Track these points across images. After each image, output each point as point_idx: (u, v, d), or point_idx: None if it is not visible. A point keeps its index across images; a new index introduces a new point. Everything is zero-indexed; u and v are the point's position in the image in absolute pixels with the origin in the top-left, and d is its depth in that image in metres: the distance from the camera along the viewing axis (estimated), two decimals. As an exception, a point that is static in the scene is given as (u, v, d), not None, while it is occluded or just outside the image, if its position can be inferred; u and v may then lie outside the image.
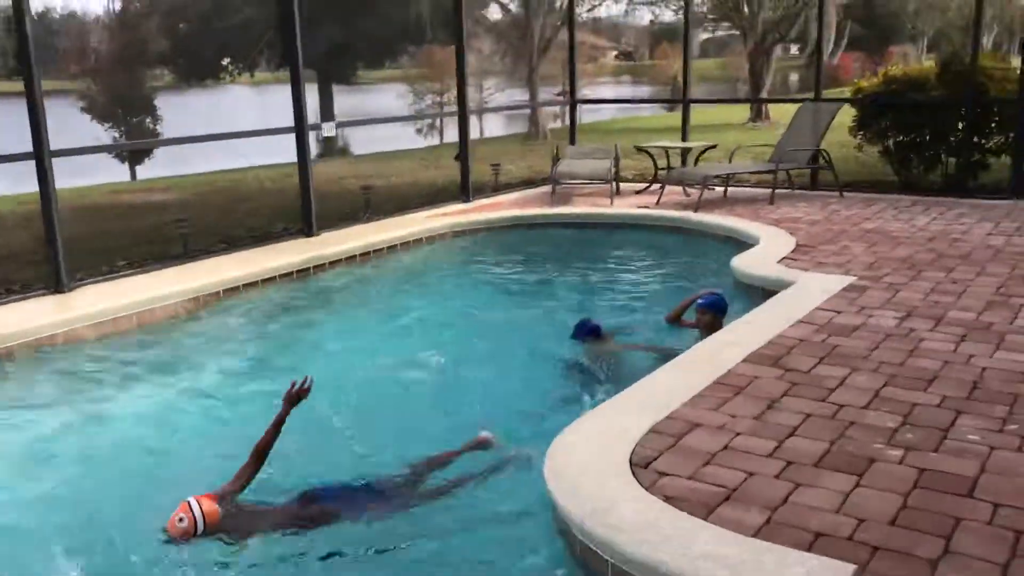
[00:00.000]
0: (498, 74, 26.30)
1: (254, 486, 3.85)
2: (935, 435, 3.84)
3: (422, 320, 6.80)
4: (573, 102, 12.11)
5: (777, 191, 10.01)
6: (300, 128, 8.27)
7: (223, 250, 8.09)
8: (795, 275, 6.55)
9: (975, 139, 9.95)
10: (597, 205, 9.88)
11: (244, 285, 7.11)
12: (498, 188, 11.44)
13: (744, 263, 6.99)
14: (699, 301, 6.07)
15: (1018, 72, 9.62)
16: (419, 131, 30.98)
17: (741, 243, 8.09)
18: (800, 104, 10.58)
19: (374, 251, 8.28)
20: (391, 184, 12.67)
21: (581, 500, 3.34)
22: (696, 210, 9.28)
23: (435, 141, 29.86)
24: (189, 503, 3.50)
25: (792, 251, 7.40)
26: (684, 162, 11.33)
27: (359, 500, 3.65)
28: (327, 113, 24.63)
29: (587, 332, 6.08)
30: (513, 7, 21.36)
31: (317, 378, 4.07)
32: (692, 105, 12.01)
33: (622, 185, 11.06)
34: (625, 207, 9.74)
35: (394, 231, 8.66)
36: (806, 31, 23.77)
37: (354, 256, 8.08)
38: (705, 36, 47.99)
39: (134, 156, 23.28)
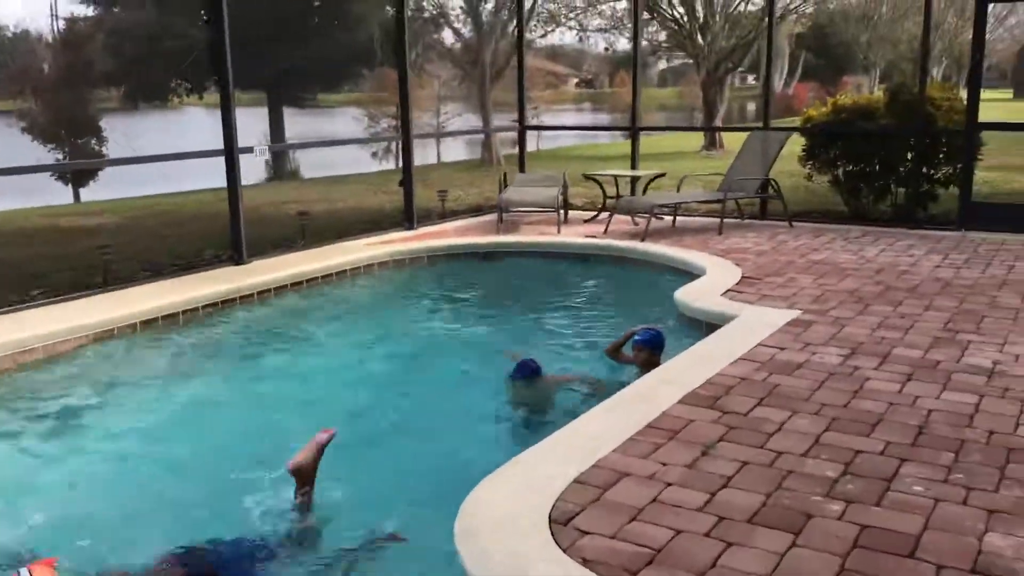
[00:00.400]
0: (455, 99, 26.14)
1: (115, 544, 3.46)
2: (877, 486, 3.59)
3: (343, 358, 6.46)
4: (522, 128, 11.89)
5: (726, 221, 9.83)
6: (230, 151, 7.92)
7: (146, 278, 7.69)
8: (739, 308, 6.32)
9: (924, 169, 9.86)
10: (544, 234, 9.63)
11: (163, 317, 6.71)
12: (445, 215, 11.16)
13: (687, 296, 6.75)
14: (635, 337, 5.81)
15: (965, 103, 9.56)
16: (374, 155, 30.66)
17: (687, 274, 7.87)
18: (749, 133, 10.45)
19: (307, 280, 7.93)
20: (335, 209, 12.35)
21: (491, 565, 3.02)
22: (643, 240, 9.06)
23: (390, 165, 29.57)
24: (19, 573, 3.03)
25: (737, 283, 7.18)
26: (633, 191, 11.14)
27: (245, 563, 3.27)
28: (278, 136, 24.24)
29: (527, 373, 5.77)
30: (465, 32, 21.21)
31: (218, 418, 3.72)
32: (645, 133, 11.80)
33: (572, 213, 10.84)
34: (572, 236, 9.49)
35: (329, 259, 8.32)
36: (759, 61, 23.89)
37: (284, 286, 7.72)
38: (663, 65, 48.49)
39: (78, 178, 22.66)
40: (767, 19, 10.57)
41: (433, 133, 16.90)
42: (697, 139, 24.31)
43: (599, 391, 5.34)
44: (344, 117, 31.53)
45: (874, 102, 10.15)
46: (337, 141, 10.00)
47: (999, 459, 3.83)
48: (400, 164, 28.89)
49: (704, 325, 6.34)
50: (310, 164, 26.85)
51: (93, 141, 23.03)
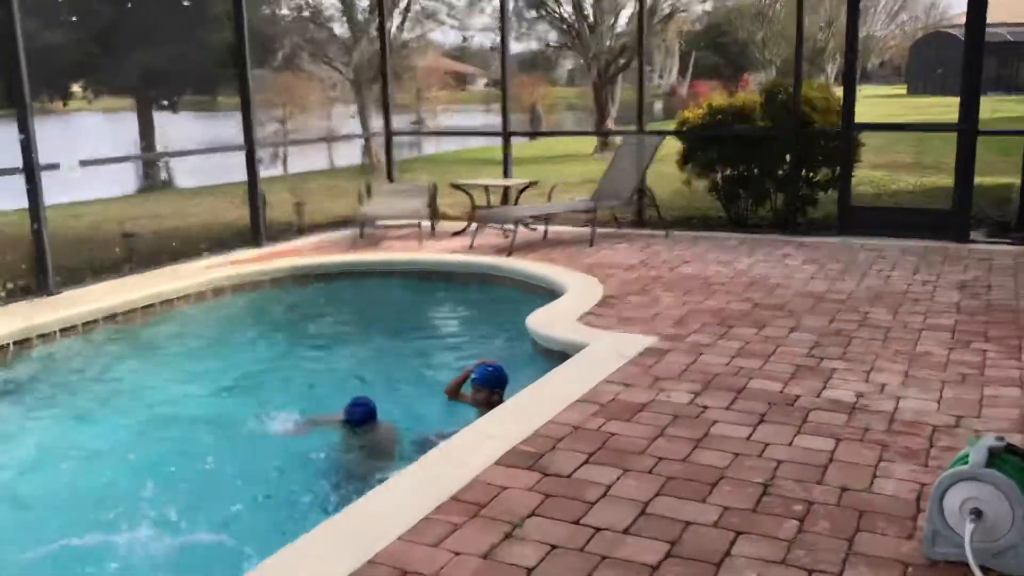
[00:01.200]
0: (341, 102, 25.21)
1: None
2: (704, 573, 2.98)
3: (147, 404, 5.63)
4: (388, 134, 11.14)
5: (602, 230, 9.29)
6: (29, 166, 6.99)
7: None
8: (590, 336, 5.71)
9: (803, 173, 9.47)
10: (406, 249, 8.91)
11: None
12: (304, 229, 10.34)
13: (539, 322, 6.12)
14: (472, 376, 5.15)
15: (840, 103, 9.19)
16: (259, 161, 29.40)
17: (550, 293, 7.27)
18: (622, 138, 9.93)
19: (124, 313, 7.04)
20: (183, 226, 11.38)
21: None
22: (509, 254, 8.42)
23: (277, 171, 28.43)
24: None
25: (597, 304, 6.59)
26: (506, 200, 10.51)
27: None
28: (148, 142, 22.91)
29: (360, 416, 5.05)
30: (341, 31, 20.28)
31: None
32: (538, 137, 11.16)
33: (441, 225, 10.15)
34: (435, 252, 8.79)
35: (154, 287, 7.44)
36: (653, 60, 23.61)
37: (95, 321, 6.82)
38: (569, 65, 48.08)
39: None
40: (638, 19, 10.06)
41: (279, 141, 15.94)
42: (590, 142, 23.90)
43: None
44: (233, 120, 30.27)
45: (750, 103, 9.72)
46: (174, 152, 9.00)
47: (848, 527, 3.26)
48: (288, 170, 27.96)
49: (558, 355, 5.73)
50: (189, 172, 25.57)
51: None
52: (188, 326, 7.12)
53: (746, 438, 4.08)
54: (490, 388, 5.09)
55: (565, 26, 23.41)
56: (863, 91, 9.55)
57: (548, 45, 26.31)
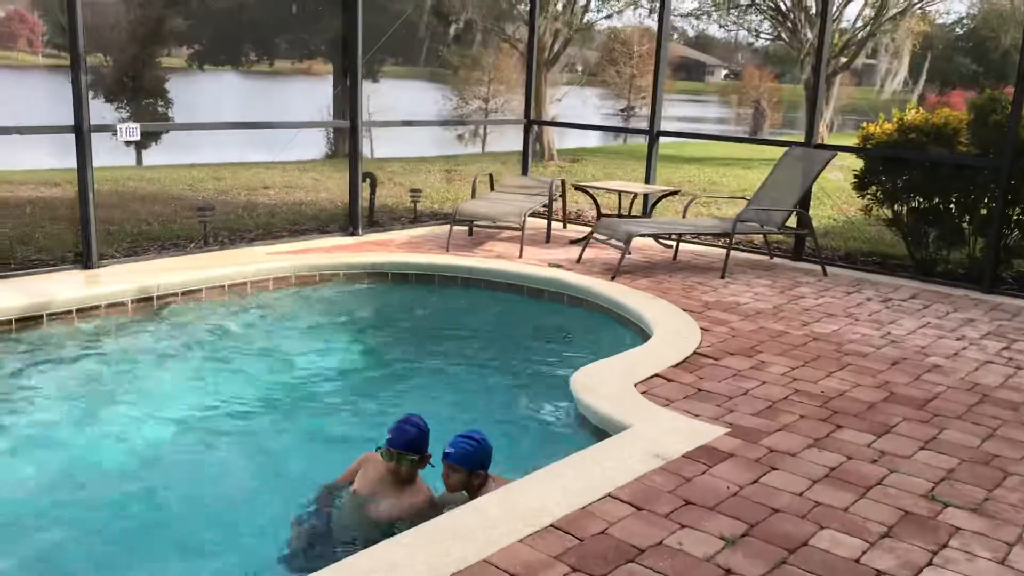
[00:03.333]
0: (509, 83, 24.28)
1: None
2: None
3: (137, 414, 4.80)
4: (528, 123, 9.93)
5: (747, 256, 7.75)
6: (79, 128, 6.38)
7: None
8: (637, 413, 4.31)
9: (1012, 214, 7.42)
10: (502, 257, 7.72)
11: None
12: (417, 219, 9.38)
13: (584, 380, 4.76)
14: (446, 448, 3.88)
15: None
16: (460, 137, 29.13)
17: (643, 333, 5.89)
18: (785, 150, 8.22)
19: (158, 297, 6.31)
20: (306, 201, 10.73)
21: None
22: (613, 277, 7.05)
23: (476, 149, 27.91)
24: None
25: (679, 362, 5.14)
26: (645, 208, 9.08)
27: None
28: (344, 108, 22.83)
29: (408, 441, 3.81)
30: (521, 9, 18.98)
31: None
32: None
33: (561, 232, 8.90)
34: (532, 261, 7.54)
35: (204, 270, 6.69)
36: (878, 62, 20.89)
37: (122, 303, 6.13)
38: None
39: (141, 140, 21.98)
40: (822, 14, 8.25)
41: (394, 122, 15.00)
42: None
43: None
44: (433, 94, 30.08)
45: (954, 122, 7.72)
46: (261, 124, 8.41)
47: None
48: (486, 149, 27.40)
49: (594, 430, 4.39)
50: (382, 141, 25.49)
51: (159, 102, 22.39)
52: (201, 319, 6.27)
53: (760, 649, 2.62)
54: (469, 468, 3.81)
55: (780, 16, 21.16)
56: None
57: (758, 36, 24.05)
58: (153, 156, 21.70)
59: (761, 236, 8.49)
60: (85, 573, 3.49)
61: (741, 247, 8.59)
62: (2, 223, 8.36)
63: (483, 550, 3.03)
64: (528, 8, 10.11)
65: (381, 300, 7.02)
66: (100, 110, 22.10)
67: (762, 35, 24.15)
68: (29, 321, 5.71)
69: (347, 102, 8.63)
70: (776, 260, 8.21)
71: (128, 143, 21.97)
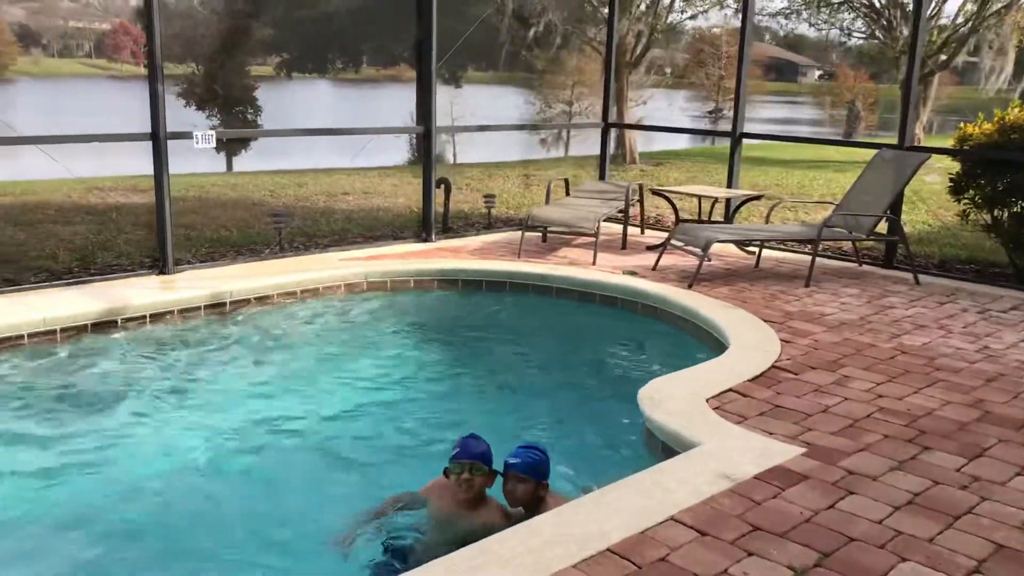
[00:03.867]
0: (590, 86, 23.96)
1: None
2: None
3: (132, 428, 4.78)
4: (606, 126, 9.74)
5: (835, 264, 7.41)
6: (156, 135, 6.46)
7: (39, 283, 6.40)
8: (707, 430, 4.09)
9: None
10: (575, 263, 7.55)
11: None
12: (491, 225, 9.27)
13: (653, 395, 4.55)
14: (507, 459, 3.73)
15: None
16: (543, 142, 29.02)
17: (720, 345, 5.66)
18: (875, 152, 7.84)
19: (233, 302, 6.35)
20: (383, 206, 10.73)
21: None
22: (690, 285, 6.80)
23: (559, 153, 27.77)
24: None
25: (755, 376, 4.89)
26: (727, 213, 8.78)
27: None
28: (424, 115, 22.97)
29: (479, 453, 3.68)
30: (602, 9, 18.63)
31: None
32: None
33: (639, 238, 8.68)
34: (605, 269, 7.34)
35: (276, 277, 6.71)
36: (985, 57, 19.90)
37: (196, 308, 6.18)
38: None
39: (231, 147, 22.49)
40: (914, 16, 7.84)
41: (469, 127, 14.80)
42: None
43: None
44: (516, 98, 30.04)
45: (1062, 121, 7.23)
46: (336, 131, 8.32)
47: None
48: (569, 152, 27.21)
49: (661, 445, 4.20)
50: (468, 145, 25.52)
51: (248, 110, 22.87)
52: (272, 325, 6.26)
53: None
54: (536, 479, 3.66)
55: (874, 13, 20.37)
56: None
57: (850, 34, 23.19)
58: (243, 162, 22.21)
59: (849, 243, 8.12)
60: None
61: (828, 254, 8.23)
62: (88, 228, 8.57)
63: (550, 567, 2.87)
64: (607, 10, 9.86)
65: (450, 307, 6.93)
66: (192, 117, 22.74)
67: (855, 33, 23.35)
68: (104, 326, 5.79)
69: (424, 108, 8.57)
70: (865, 268, 7.83)
71: (219, 150, 22.62)
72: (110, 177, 12.00)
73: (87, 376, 5.25)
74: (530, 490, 3.65)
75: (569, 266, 7.40)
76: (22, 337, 5.44)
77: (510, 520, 3.57)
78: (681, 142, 26.03)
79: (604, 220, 7.87)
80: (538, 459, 3.67)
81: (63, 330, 5.59)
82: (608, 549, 3.05)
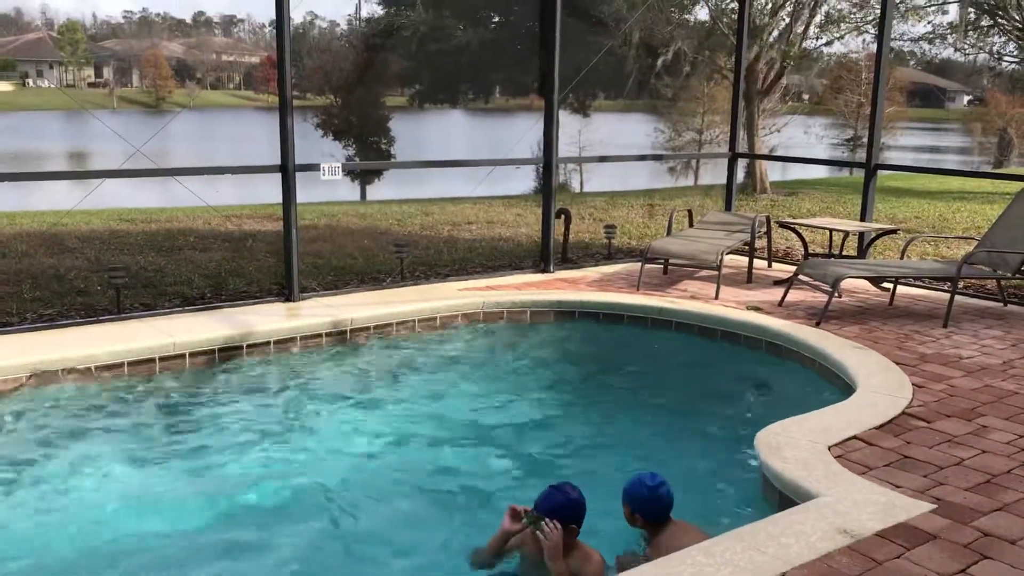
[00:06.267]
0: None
1: None
2: None
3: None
4: (733, 155, 9.51)
5: (976, 303, 6.96)
6: (285, 167, 6.67)
7: (172, 307, 6.70)
8: (827, 480, 3.87)
9: None
10: (696, 297, 7.36)
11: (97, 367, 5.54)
12: (611, 256, 9.17)
13: (770, 440, 4.34)
14: (537, 501, 3.60)
15: None
16: (672, 170, 28.70)
17: (846, 388, 5.38)
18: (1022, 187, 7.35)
19: (353, 330, 6.47)
20: (505, 236, 10.78)
21: None
22: (817, 324, 6.52)
23: (688, 182, 27.39)
24: None
25: (883, 423, 4.61)
26: (860, 247, 8.40)
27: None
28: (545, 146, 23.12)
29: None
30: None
31: None
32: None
33: (766, 272, 8.41)
34: (728, 304, 7.12)
35: (395, 306, 6.80)
36: None
37: (317, 335, 6.33)
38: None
39: (365, 176, 23.23)
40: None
41: (590, 157, 14.55)
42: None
43: None
44: (645, 126, 29.86)
45: None
46: (458, 162, 8.33)
47: None
48: (698, 181, 26.80)
49: (778, 495, 4.00)
50: (595, 174, 25.52)
51: (383, 141, 23.53)
52: (389, 354, 6.34)
53: None
54: (564, 519, 3.51)
55: (1025, 36, 19.22)
56: None
57: (1000, 59, 21.95)
58: (377, 191, 22.90)
59: (994, 281, 7.62)
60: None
61: (970, 292, 7.75)
62: (223, 255, 8.93)
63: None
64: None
65: (565, 339, 6.87)
66: (329, 148, 23.62)
67: (1006, 57, 22.09)
68: (230, 351, 5.99)
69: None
70: (1011, 308, 7.33)
71: (353, 179, 23.38)
72: (248, 205, 12.53)
73: (211, 399, 5.43)
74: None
75: (689, 300, 7.22)
76: (153, 360, 5.69)
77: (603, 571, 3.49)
78: (818, 172, 25.20)
79: (729, 253, 7.65)
80: (560, 500, 3.52)
81: (191, 354, 5.81)
82: (711, 606, 2.91)
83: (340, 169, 7.06)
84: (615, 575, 3.52)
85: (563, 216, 8.81)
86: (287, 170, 6.70)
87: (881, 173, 8.38)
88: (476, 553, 3.73)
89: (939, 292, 7.71)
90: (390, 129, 23.30)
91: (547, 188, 8.31)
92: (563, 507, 3.51)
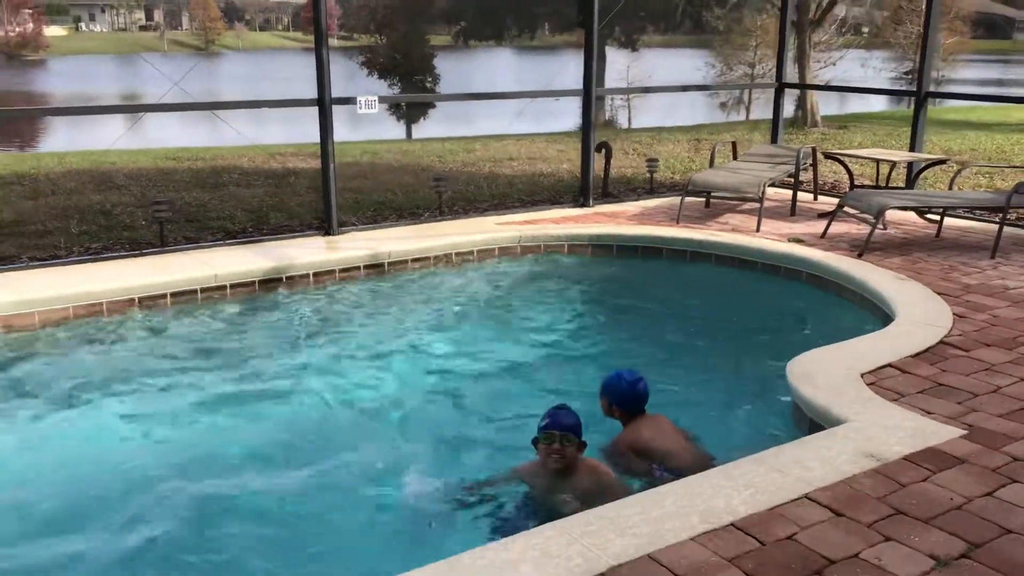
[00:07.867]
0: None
1: None
2: None
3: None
4: (780, 86, 9.28)
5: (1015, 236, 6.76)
6: (322, 101, 6.68)
7: (215, 241, 6.81)
8: (857, 407, 3.84)
9: None
10: (737, 230, 7.27)
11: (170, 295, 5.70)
12: (653, 190, 9.07)
13: (802, 369, 4.31)
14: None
15: None
16: (723, 106, 28.17)
17: (884, 317, 5.32)
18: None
19: (389, 263, 6.53)
20: (546, 171, 10.70)
21: None
22: (860, 255, 6.41)
23: (740, 117, 26.85)
24: None
25: (920, 351, 4.55)
26: (909, 178, 8.20)
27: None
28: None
29: (569, 425, 3.62)
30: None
31: None
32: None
33: (811, 205, 8.25)
34: (769, 237, 7.03)
35: (433, 239, 6.84)
36: None
37: (355, 267, 6.40)
38: None
39: (410, 115, 23.15)
40: None
41: (623, 88, 14.25)
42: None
43: None
44: (695, 61, 29.24)
45: None
46: (492, 95, 8.30)
47: None
48: (750, 116, 26.24)
49: (808, 421, 3.98)
50: (646, 110, 25.14)
51: (427, 79, 23.38)
52: (427, 286, 6.39)
53: None
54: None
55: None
56: None
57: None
58: (423, 129, 22.83)
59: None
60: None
61: (1022, 224, 7.54)
62: (265, 191, 9.03)
63: (647, 545, 2.78)
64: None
65: (602, 272, 6.85)
66: (375, 86, 23.57)
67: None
68: (270, 283, 6.09)
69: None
70: (1063, 239, 7.12)
71: (399, 117, 23.33)
72: (294, 144, 12.60)
73: (254, 328, 5.55)
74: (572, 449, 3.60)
75: (731, 233, 7.14)
76: (195, 292, 5.81)
77: (612, 477, 3.63)
78: (876, 104, 24.49)
79: (773, 185, 7.52)
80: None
81: (232, 286, 5.92)
82: (732, 524, 2.92)
83: (376, 103, 7.04)
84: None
85: (604, 150, 8.72)
86: (324, 103, 6.71)
87: (939, 105, 8.10)
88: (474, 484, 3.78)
89: (989, 223, 7.51)
90: (435, 67, 23.12)
91: (586, 120, 8.22)
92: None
